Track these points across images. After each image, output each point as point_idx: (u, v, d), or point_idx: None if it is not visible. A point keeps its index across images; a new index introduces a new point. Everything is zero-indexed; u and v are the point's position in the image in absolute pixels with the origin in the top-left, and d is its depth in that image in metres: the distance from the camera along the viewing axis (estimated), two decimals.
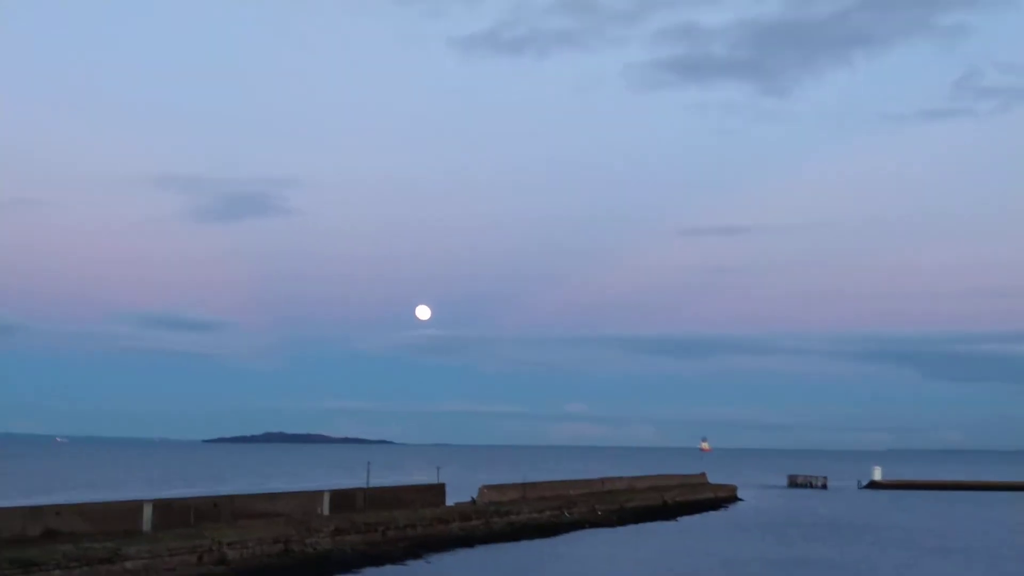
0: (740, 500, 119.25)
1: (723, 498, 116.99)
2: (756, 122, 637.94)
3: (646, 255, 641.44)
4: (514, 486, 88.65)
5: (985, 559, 62.18)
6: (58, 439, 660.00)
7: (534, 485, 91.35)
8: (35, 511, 49.00)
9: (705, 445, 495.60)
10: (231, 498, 61.56)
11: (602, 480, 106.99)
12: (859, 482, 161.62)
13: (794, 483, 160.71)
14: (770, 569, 54.53)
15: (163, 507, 53.65)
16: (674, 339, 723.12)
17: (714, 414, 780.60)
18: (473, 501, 79.92)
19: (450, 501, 78.84)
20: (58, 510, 49.41)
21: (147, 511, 51.84)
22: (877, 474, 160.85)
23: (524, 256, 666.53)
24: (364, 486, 74.96)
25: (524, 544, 65.53)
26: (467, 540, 63.98)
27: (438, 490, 79.00)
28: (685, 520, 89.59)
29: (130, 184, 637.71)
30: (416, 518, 64.41)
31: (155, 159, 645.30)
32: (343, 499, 67.11)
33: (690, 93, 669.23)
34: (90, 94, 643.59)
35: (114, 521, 49.94)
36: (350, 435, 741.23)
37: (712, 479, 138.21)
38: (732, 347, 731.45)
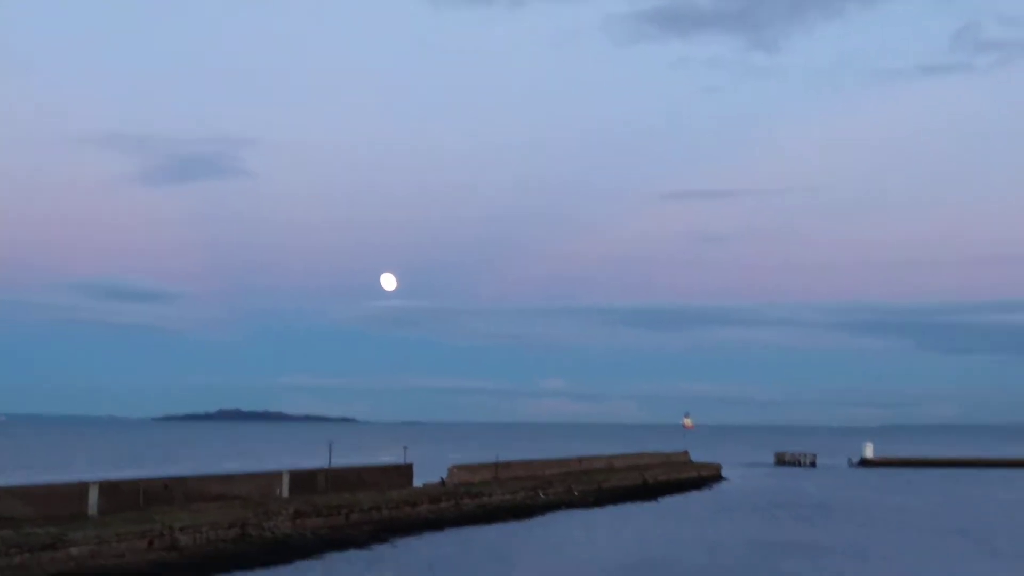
0: (725, 479, 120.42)
1: (707, 477, 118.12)
2: (743, 79, 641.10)
3: (627, 221, 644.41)
4: (486, 466, 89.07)
5: (980, 539, 63.16)
6: None
7: (507, 465, 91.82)
8: None
9: (688, 422, 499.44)
10: (183, 480, 61.49)
11: (579, 459, 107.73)
12: (850, 460, 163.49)
13: (781, 461, 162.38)
14: (756, 552, 55.15)
15: (110, 489, 53.48)
16: (656, 310, 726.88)
17: (698, 389, 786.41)
18: (442, 482, 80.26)
19: (418, 482, 79.11)
20: None
21: (93, 494, 51.69)
22: (868, 451, 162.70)
23: (497, 222, 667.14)
24: (326, 467, 75.07)
25: (496, 527, 65.91)
26: (436, 523, 64.28)
27: (405, 470, 79.26)
28: (667, 501, 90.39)
29: (74, 144, 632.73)
30: (382, 500, 64.63)
31: (101, 117, 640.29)
32: (303, 480, 67.20)
33: (673, 48, 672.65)
34: (30, 49, 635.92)
35: (57, 505, 49.78)
36: (311, 412, 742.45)
37: (695, 457, 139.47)
38: (717, 319, 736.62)
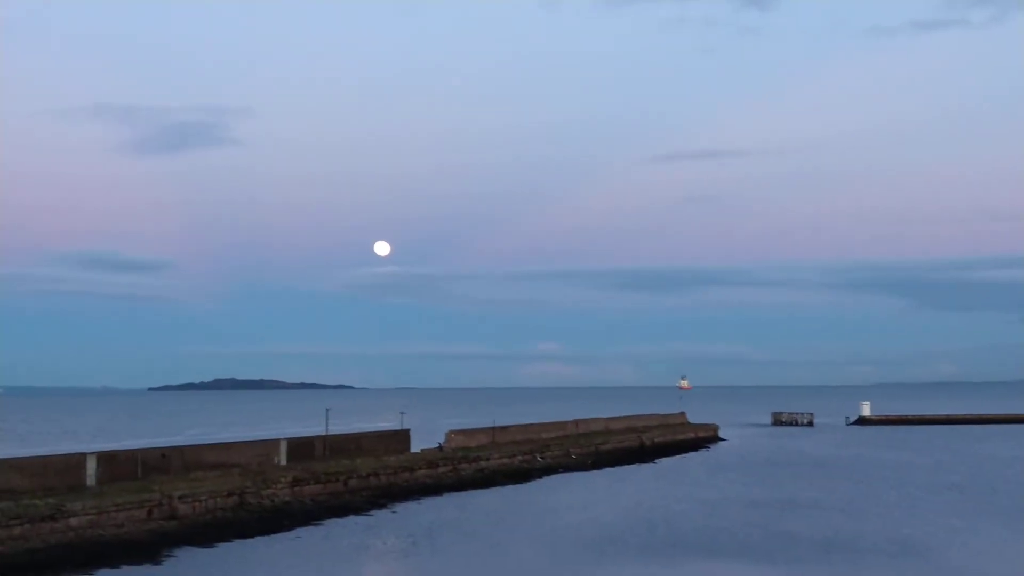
0: (722, 440, 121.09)
1: (704, 438, 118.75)
2: (737, 38, 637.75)
3: (620, 183, 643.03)
4: (483, 430, 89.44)
5: (978, 495, 63.65)
6: None
7: (504, 429, 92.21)
8: None
9: (684, 383, 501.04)
10: (181, 449, 61.72)
11: (576, 422, 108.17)
12: (847, 419, 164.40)
13: (779, 421, 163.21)
14: (754, 511, 55.55)
15: (108, 460, 53.71)
16: (650, 272, 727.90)
17: (694, 351, 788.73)
18: (440, 447, 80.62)
19: (415, 447, 79.47)
20: None
21: (91, 464, 51.89)
22: (866, 410, 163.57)
23: (489, 188, 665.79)
24: (323, 434, 75.35)
25: (495, 490, 66.32)
26: (434, 488, 64.68)
27: (402, 436, 79.58)
28: (664, 462, 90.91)
29: (61, 115, 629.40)
30: (380, 466, 64.94)
31: (89, 87, 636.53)
32: (301, 448, 67.47)
33: (666, 6, 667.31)
34: (15, 21, 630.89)
35: (56, 476, 49.97)
36: (306, 380, 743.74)
37: (692, 418, 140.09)
38: (713, 279, 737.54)
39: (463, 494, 64.10)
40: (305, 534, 47.88)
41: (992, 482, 71.88)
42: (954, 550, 43.71)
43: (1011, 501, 61.24)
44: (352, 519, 52.68)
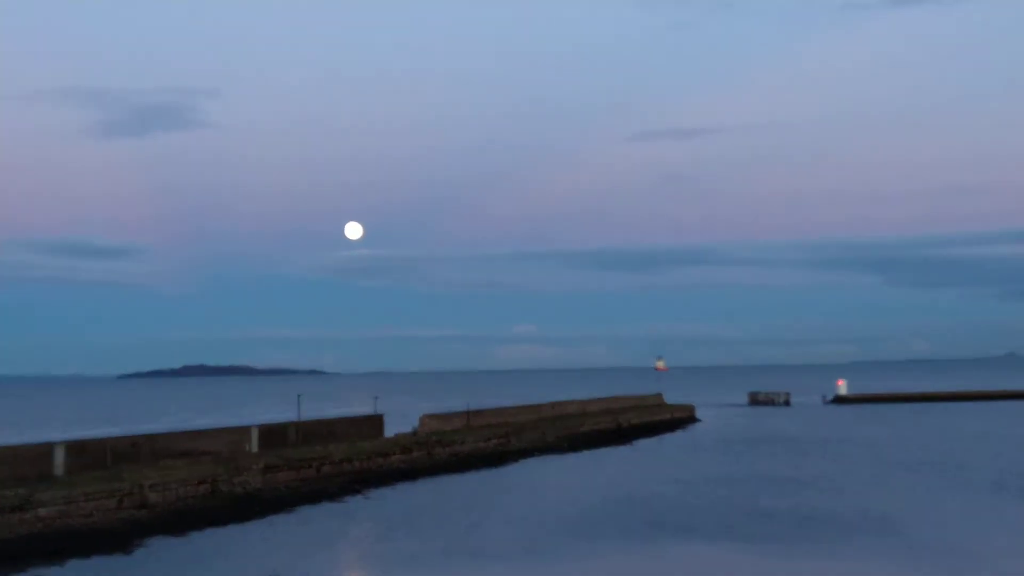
0: (699, 420, 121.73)
1: (681, 419, 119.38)
2: (711, 14, 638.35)
3: (594, 162, 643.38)
4: (457, 414, 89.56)
5: (952, 471, 64.39)
6: None
7: (479, 412, 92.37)
8: None
9: (660, 364, 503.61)
10: (151, 437, 61.47)
11: (552, 404, 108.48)
12: (824, 397, 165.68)
13: (755, 401, 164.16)
14: (732, 489, 55.97)
15: (77, 449, 53.43)
16: (625, 252, 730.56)
17: (670, 331, 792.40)
18: (414, 432, 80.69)
19: (389, 432, 79.52)
20: None
21: (59, 454, 51.61)
22: (842, 388, 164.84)
23: (463, 168, 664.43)
24: (295, 419, 75.24)
25: (470, 475, 66.46)
26: (409, 473, 64.75)
27: (376, 421, 79.58)
28: (641, 443, 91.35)
29: (28, 98, 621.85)
30: (353, 452, 64.92)
31: (55, 71, 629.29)
32: (273, 434, 67.36)
33: None
34: None
35: (23, 466, 49.67)
36: (278, 366, 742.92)
37: (669, 399, 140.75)
38: (688, 259, 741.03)
39: (438, 479, 64.20)
40: (278, 521, 47.83)
41: (964, 458, 72.70)
42: (928, 525, 44.22)
43: (983, 475, 61.94)
44: (326, 505, 52.67)
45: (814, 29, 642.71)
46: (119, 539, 41.56)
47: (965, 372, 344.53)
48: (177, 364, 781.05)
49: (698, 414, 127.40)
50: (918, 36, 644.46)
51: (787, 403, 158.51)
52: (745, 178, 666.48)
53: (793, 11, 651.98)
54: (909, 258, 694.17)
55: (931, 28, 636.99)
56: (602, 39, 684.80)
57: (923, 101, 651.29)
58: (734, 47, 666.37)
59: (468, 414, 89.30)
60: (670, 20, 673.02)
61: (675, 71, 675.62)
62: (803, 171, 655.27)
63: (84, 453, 53.48)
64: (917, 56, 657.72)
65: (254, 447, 64.29)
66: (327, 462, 60.97)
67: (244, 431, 66.21)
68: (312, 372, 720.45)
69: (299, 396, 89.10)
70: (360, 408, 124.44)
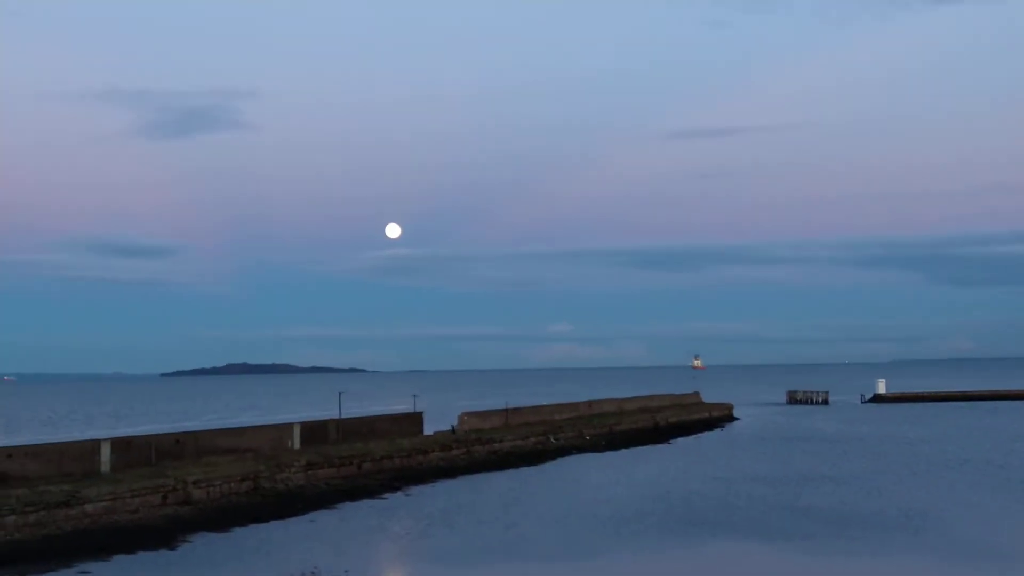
0: (736, 419, 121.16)
1: (718, 418, 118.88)
2: (748, 12, 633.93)
3: (630, 161, 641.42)
4: (496, 412, 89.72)
5: (994, 471, 63.68)
6: (4, 377, 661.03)
7: (517, 411, 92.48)
8: None
9: (698, 363, 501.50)
10: (195, 434, 62.16)
11: (589, 403, 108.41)
12: (862, 396, 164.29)
13: (794, 399, 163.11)
14: (769, 488, 55.72)
15: (122, 446, 54.14)
16: (663, 251, 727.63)
17: (708, 330, 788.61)
18: (453, 430, 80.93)
19: (428, 430, 79.84)
20: (9, 452, 49.80)
21: (105, 450, 52.32)
22: (881, 387, 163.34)
23: (499, 167, 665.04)
24: (336, 417, 75.72)
25: (508, 473, 66.58)
26: (448, 471, 64.98)
27: (415, 419, 79.94)
28: (679, 442, 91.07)
29: (70, 100, 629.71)
30: (393, 449, 65.26)
31: (97, 72, 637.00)
32: (314, 431, 67.85)
33: None
34: (23, 4, 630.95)
35: (70, 462, 50.42)
36: (318, 364, 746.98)
37: (706, 398, 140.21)
38: (726, 257, 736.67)
39: (477, 476, 64.38)
40: (319, 518, 48.19)
41: (1006, 458, 71.87)
42: (967, 524, 43.81)
43: (1022, 475, 61.33)
44: (366, 502, 52.99)
45: (853, 26, 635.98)
46: (163, 535, 42.06)
47: (1008, 371, 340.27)
48: (219, 363, 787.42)
49: (736, 413, 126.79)
50: (960, 33, 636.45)
51: (825, 402, 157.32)
52: (783, 177, 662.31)
53: (831, 8, 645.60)
54: (951, 256, 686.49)
55: (973, 26, 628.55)
56: (637, 36, 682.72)
57: (964, 99, 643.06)
58: (771, 45, 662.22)
59: (507, 412, 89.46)
60: (707, 17, 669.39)
61: (711, 69, 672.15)
62: (843, 170, 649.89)
63: (129, 450, 54.18)
64: (959, 54, 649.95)
65: (296, 444, 64.81)
66: (368, 459, 61.34)
67: (286, 428, 66.76)
68: (352, 370, 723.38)
69: (340, 394, 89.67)
70: (400, 406, 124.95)
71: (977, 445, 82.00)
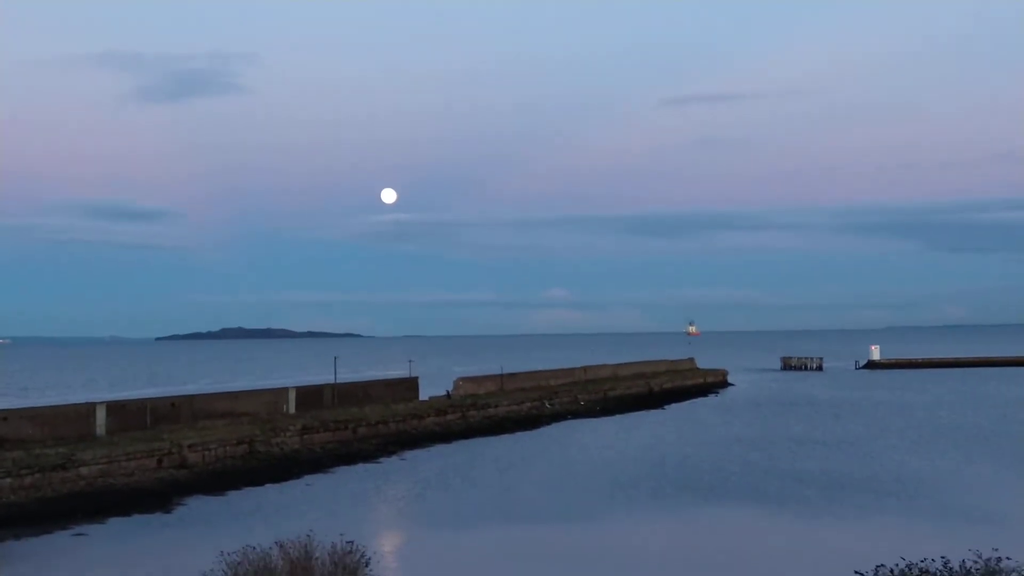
0: (731, 385, 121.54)
1: (713, 383, 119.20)
2: None
3: (627, 127, 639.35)
4: (491, 377, 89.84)
5: (985, 437, 63.95)
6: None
7: (512, 376, 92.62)
8: None
9: (693, 329, 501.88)
10: (190, 398, 62.17)
11: (584, 368, 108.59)
12: (856, 362, 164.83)
13: (788, 366, 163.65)
14: (763, 454, 55.93)
15: (117, 409, 54.14)
16: (659, 217, 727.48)
17: (702, 296, 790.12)
18: (448, 394, 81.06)
19: (424, 395, 79.95)
20: (5, 415, 49.76)
21: (100, 414, 52.32)
22: (875, 353, 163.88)
23: (497, 132, 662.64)
24: (332, 382, 75.77)
25: (504, 437, 66.77)
26: (443, 435, 65.14)
27: (411, 384, 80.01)
28: (673, 407, 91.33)
29: (65, 63, 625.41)
30: (388, 414, 65.35)
31: (92, 35, 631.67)
32: (310, 396, 67.91)
33: None
34: None
35: (66, 426, 50.42)
36: (314, 329, 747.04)
37: (701, 364, 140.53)
38: (722, 224, 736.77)
39: (472, 441, 64.56)
40: (315, 481, 48.33)
41: (998, 424, 72.16)
42: (958, 489, 43.99)
43: (1016, 441, 61.53)
44: (361, 466, 53.14)
45: None
46: (159, 498, 42.19)
47: (1001, 338, 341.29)
48: (215, 327, 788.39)
49: (731, 379, 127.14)
50: (959, 10, 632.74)
51: (820, 368, 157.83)
52: (780, 145, 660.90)
53: None
54: (946, 223, 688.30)
55: (973, 3, 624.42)
56: (636, 6, 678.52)
57: (963, 69, 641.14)
58: (771, 12, 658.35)
59: (502, 378, 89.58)
60: None
61: (711, 35, 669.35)
62: (841, 137, 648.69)
63: (124, 413, 54.18)
64: (955, 29, 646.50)
65: (291, 408, 64.87)
66: (363, 424, 61.44)
67: (281, 393, 66.80)
68: (348, 335, 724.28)
69: (335, 358, 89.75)
70: (395, 371, 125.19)
71: (969, 411, 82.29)
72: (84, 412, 52.49)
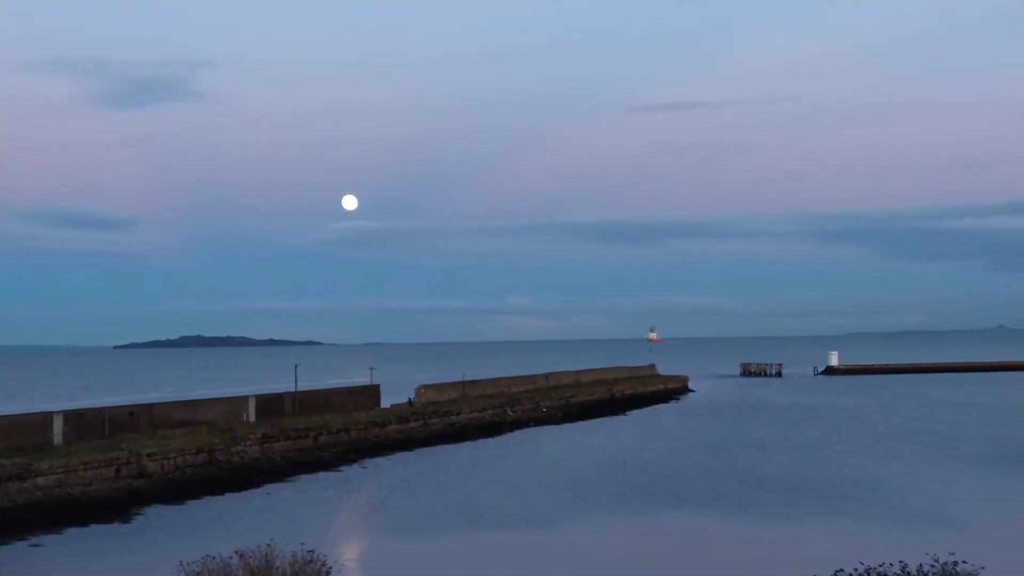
0: (692, 391, 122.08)
1: (674, 389, 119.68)
2: None
3: (590, 135, 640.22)
4: (453, 385, 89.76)
5: (942, 441, 64.73)
6: None
7: (474, 383, 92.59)
8: None
9: (653, 336, 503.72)
10: (149, 407, 61.66)
11: (546, 375, 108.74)
12: (815, 368, 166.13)
13: (748, 372, 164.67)
14: (723, 460, 56.27)
15: (75, 418, 53.58)
16: (621, 225, 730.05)
17: (665, 303, 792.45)
18: (410, 402, 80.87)
19: (385, 403, 79.71)
20: None
21: (57, 423, 51.75)
22: (834, 360, 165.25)
23: (459, 140, 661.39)
24: (293, 390, 75.36)
25: (466, 445, 66.69)
26: (405, 443, 64.95)
27: (372, 392, 79.77)
28: (634, 414, 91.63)
29: (24, 68, 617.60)
30: (350, 422, 65.12)
31: (51, 40, 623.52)
32: (270, 404, 67.54)
33: None
34: None
35: (22, 435, 49.81)
36: (275, 337, 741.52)
37: (662, 371, 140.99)
38: (683, 231, 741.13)
39: (434, 448, 64.42)
40: (275, 490, 48.04)
41: (953, 428, 73.12)
42: (915, 494, 44.55)
43: (972, 445, 62.34)
44: (323, 474, 52.88)
45: (813, 3, 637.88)
46: (117, 507, 41.74)
47: (955, 343, 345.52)
48: (174, 335, 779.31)
49: (691, 385, 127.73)
50: (919, 11, 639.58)
51: (779, 374, 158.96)
52: (742, 152, 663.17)
53: None
54: (903, 230, 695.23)
55: (932, 3, 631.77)
56: (600, 10, 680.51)
57: (918, 79, 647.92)
58: (734, 20, 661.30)
59: (464, 385, 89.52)
60: None
61: (674, 43, 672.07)
62: (801, 144, 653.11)
63: (82, 423, 53.63)
64: (916, 31, 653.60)
65: (251, 417, 64.46)
66: (324, 432, 61.15)
67: (241, 401, 66.39)
68: (309, 343, 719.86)
69: (296, 367, 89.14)
70: (356, 379, 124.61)
71: (926, 416, 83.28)
72: (41, 421, 51.89)
